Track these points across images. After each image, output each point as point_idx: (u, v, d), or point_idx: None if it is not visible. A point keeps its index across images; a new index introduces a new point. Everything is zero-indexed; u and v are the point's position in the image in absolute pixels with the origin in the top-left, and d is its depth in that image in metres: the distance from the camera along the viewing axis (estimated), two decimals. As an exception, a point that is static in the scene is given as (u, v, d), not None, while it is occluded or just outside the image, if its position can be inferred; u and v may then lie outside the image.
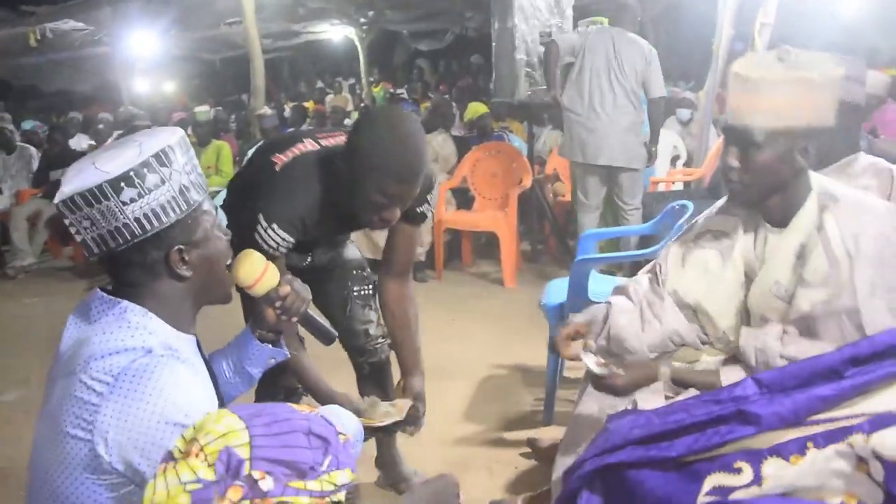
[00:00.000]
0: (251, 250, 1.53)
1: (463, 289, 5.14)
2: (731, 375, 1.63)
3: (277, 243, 1.89)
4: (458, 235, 5.69)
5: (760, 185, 1.63)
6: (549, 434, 2.77)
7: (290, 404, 0.98)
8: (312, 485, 0.91)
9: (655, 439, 1.49)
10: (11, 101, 12.44)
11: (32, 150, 6.86)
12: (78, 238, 1.27)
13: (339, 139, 2.02)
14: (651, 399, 1.71)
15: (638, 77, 4.28)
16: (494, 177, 5.52)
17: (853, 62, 2.18)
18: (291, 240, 1.92)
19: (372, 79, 13.07)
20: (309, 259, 2.26)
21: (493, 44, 5.07)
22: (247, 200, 1.94)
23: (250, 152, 2.34)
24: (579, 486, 1.57)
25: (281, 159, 1.95)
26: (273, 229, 1.87)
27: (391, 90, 12.07)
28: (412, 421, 2.13)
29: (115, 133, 7.11)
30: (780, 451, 1.38)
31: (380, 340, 2.39)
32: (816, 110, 1.56)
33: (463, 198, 5.74)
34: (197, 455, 0.88)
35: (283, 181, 1.93)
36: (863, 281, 1.52)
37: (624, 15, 4.42)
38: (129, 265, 1.28)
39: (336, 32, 11.95)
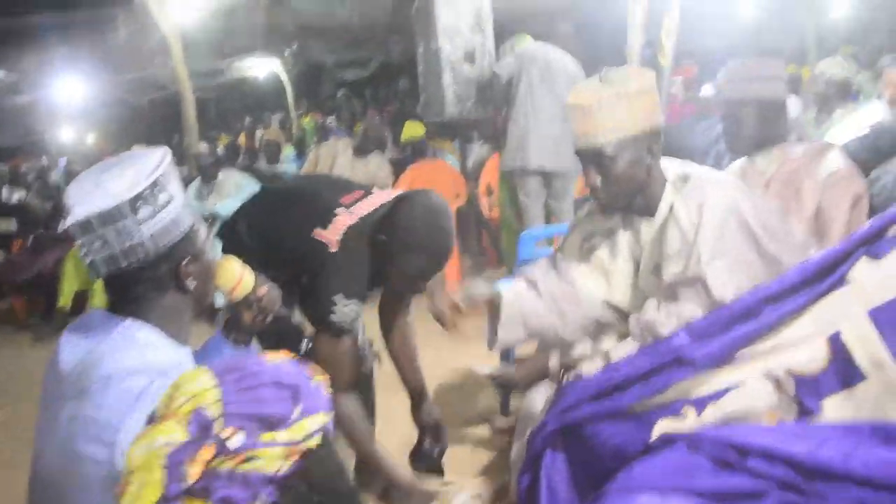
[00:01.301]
0: (227, 256, 1.62)
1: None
2: (625, 349, 1.78)
3: (353, 316, 2.01)
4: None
5: (623, 192, 1.82)
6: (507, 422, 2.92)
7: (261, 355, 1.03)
8: (283, 435, 0.94)
9: (607, 393, 1.65)
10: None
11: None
12: (86, 259, 1.29)
13: (366, 201, 2.15)
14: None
15: (568, 87, 4.47)
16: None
17: (768, 62, 2.42)
18: (362, 310, 2.05)
19: (300, 111, 13.13)
20: None
21: (420, 66, 5.21)
22: (316, 284, 2.03)
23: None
24: (543, 446, 1.71)
25: (327, 237, 2.04)
26: (353, 303, 2.00)
27: (320, 120, 12.15)
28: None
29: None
30: (719, 396, 1.55)
31: (367, 350, 2.49)
32: (646, 114, 1.78)
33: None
34: (172, 417, 0.93)
35: (344, 260, 2.03)
36: (705, 246, 1.70)
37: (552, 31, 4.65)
38: (138, 282, 1.31)
39: (262, 67, 12.00)
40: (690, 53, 7.22)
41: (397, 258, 2.03)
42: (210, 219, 5.43)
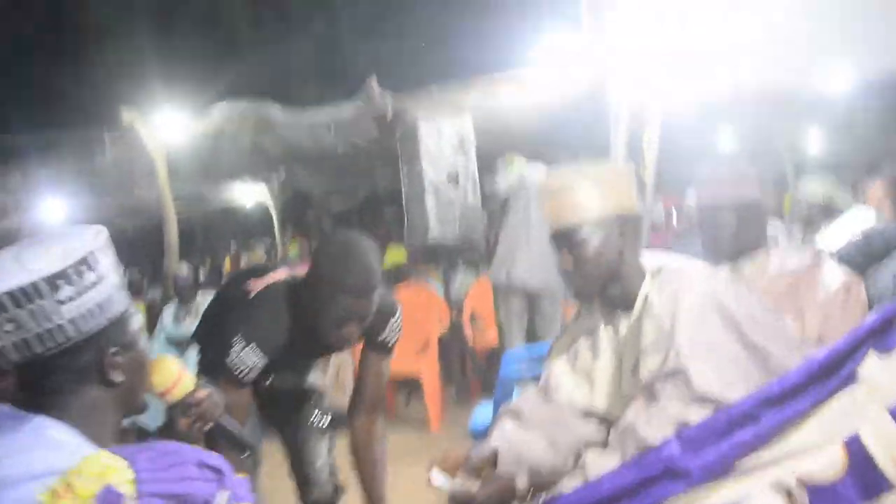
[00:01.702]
0: (165, 355, 1.50)
1: (388, 436, 5.02)
2: (604, 461, 1.64)
3: (250, 366, 1.93)
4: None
5: (595, 275, 1.78)
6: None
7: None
8: None
9: None
10: None
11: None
12: None
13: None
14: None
15: None
16: (414, 322, 5.54)
17: (740, 165, 2.38)
18: (264, 361, 1.97)
19: (286, 238, 13.17)
20: (270, 380, 2.23)
21: (404, 190, 5.24)
22: (223, 325, 2.00)
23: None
24: None
25: (255, 286, 2.06)
26: (251, 348, 1.92)
27: (307, 245, 12.18)
28: None
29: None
30: None
31: (327, 475, 2.35)
32: (618, 198, 1.78)
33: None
34: (70, 499, 0.81)
35: (258, 305, 2.03)
36: (683, 336, 1.62)
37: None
38: (55, 371, 1.14)
39: (248, 194, 12.13)
40: (671, 185, 7.33)
41: (319, 301, 1.95)
42: (186, 343, 5.30)
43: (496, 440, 1.89)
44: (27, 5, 13.87)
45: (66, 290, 1.12)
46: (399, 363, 5.50)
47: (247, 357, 1.92)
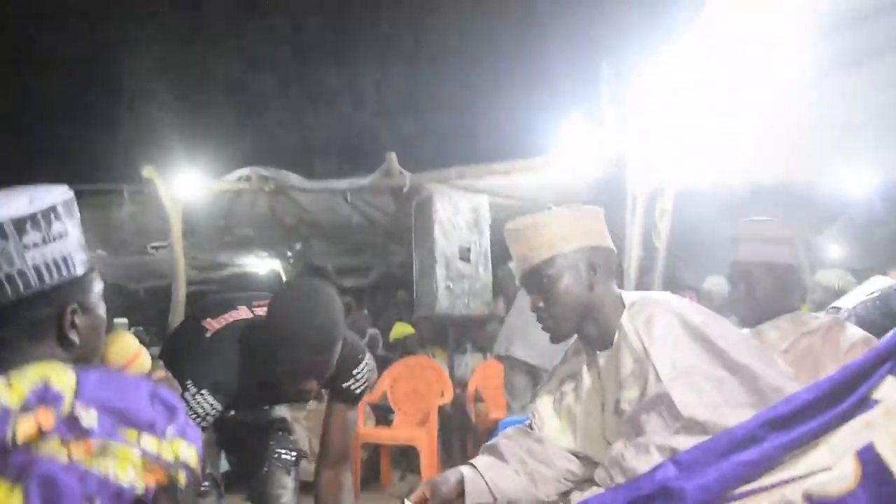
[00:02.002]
0: (124, 331, 1.44)
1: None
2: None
3: (206, 410, 1.82)
4: (378, 454, 5.51)
5: (568, 313, 1.77)
6: None
7: None
8: (148, 442, 0.81)
9: None
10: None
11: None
12: None
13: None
14: None
15: None
16: (415, 392, 5.48)
17: (780, 225, 2.34)
18: (220, 407, 1.86)
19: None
20: (232, 413, 2.14)
21: (415, 261, 5.22)
22: (176, 364, 1.82)
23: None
24: None
25: (213, 325, 1.94)
26: (203, 395, 1.81)
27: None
28: None
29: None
30: None
31: None
32: (586, 233, 1.79)
33: (383, 415, 5.64)
34: (5, 386, 0.79)
35: (214, 348, 1.90)
36: (662, 363, 1.57)
37: None
38: (12, 323, 1.10)
39: (262, 266, 12.18)
40: (689, 276, 7.29)
41: (275, 354, 1.83)
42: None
43: (464, 469, 1.84)
44: (60, 61, 14.31)
45: (31, 236, 1.12)
46: (398, 431, 5.44)
47: (200, 404, 1.81)
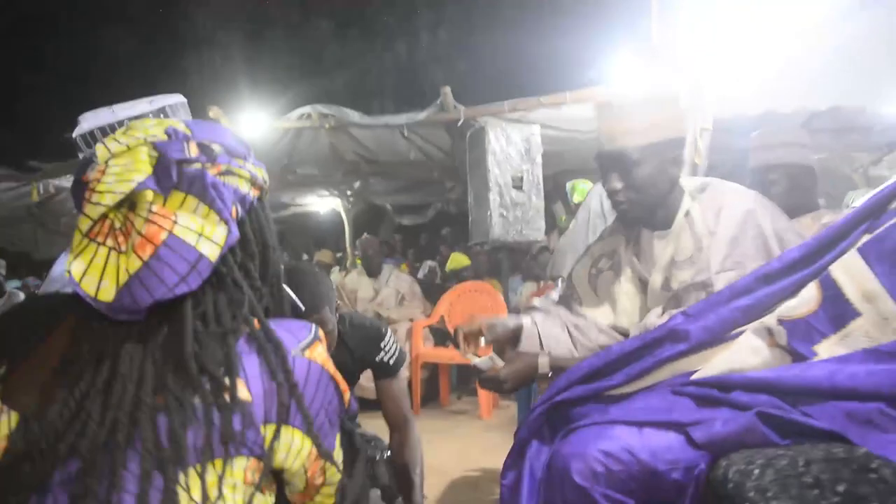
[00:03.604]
0: None
1: (438, 422, 5.21)
2: None
3: None
4: (436, 374, 5.79)
5: (645, 199, 1.82)
6: None
7: None
8: (249, 166, 1.03)
9: (596, 375, 1.59)
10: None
11: (21, 295, 7.03)
12: None
13: None
14: None
15: None
16: (475, 312, 5.70)
17: (791, 129, 2.46)
18: None
19: (357, 252, 13.47)
20: None
21: (470, 190, 5.42)
22: None
23: None
24: (529, 435, 1.64)
25: None
26: None
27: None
28: None
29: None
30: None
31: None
32: (671, 124, 1.80)
33: (441, 338, 5.90)
34: (146, 129, 0.98)
35: None
36: (718, 254, 1.69)
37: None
38: None
39: (323, 205, 12.44)
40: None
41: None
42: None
43: (525, 319, 1.99)
44: (134, 15, 14.72)
45: None
46: (456, 351, 5.62)
47: None
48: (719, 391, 1.32)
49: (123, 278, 0.91)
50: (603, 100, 1.90)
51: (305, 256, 15.14)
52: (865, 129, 6.05)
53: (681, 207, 1.84)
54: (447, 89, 5.95)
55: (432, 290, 6.74)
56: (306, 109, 6.36)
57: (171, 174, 0.93)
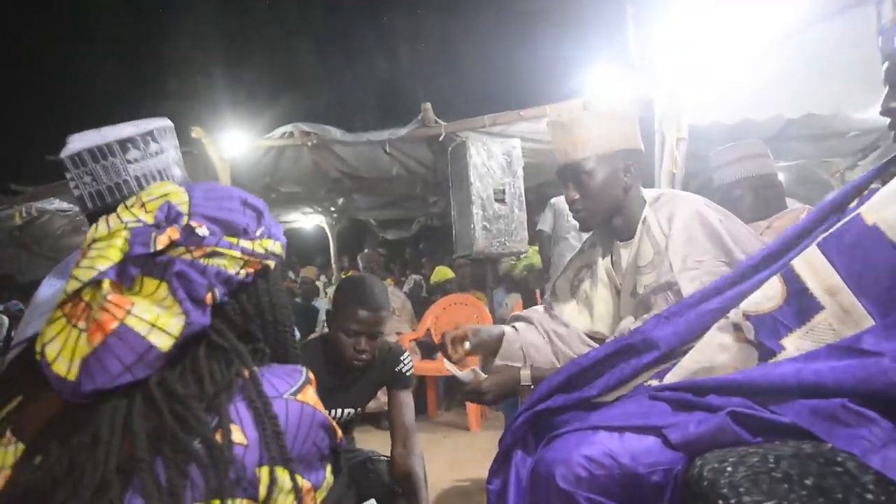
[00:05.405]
0: None
1: (427, 434, 5.21)
2: None
3: None
4: (424, 387, 5.82)
5: (600, 206, 1.92)
6: None
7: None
8: (245, 243, 1.03)
9: (575, 382, 1.64)
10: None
11: (5, 319, 6.99)
12: (76, 193, 1.43)
13: None
14: None
15: None
16: (459, 324, 5.73)
17: (750, 142, 2.53)
18: None
19: (342, 267, 13.48)
20: None
21: (453, 205, 5.46)
22: None
23: None
24: (513, 442, 1.68)
25: None
26: None
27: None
28: None
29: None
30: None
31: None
32: (623, 135, 1.91)
33: (428, 350, 5.93)
34: (140, 207, 1.01)
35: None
36: (676, 255, 1.77)
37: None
38: None
39: (308, 221, 12.47)
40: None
41: (340, 316, 2.34)
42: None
43: (507, 329, 2.06)
44: (114, 37, 14.74)
45: (133, 153, 1.42)
46: (442, 363, 5.66)
47: None
48: (694, 395, 1.36)
49: (76, 362, 0.93)
50: (557, 118, 1.96)
51: (291, 274, 15.14)
52: (841, 134, 6.15)
53: (642, 215, 1.93)
54: (428, 105, 6.02)
55: (418, 304, 6.77)
56: (288, 128, 6.41)
57: (132, 267, 0.95)
